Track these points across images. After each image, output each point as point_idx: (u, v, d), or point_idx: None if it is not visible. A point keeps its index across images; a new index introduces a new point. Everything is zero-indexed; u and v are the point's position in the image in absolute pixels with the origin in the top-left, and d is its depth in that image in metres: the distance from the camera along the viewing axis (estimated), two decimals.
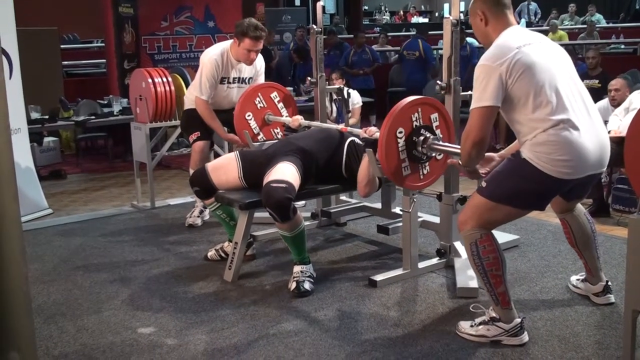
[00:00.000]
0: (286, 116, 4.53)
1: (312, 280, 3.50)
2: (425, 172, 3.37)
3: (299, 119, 4.32)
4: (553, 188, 2.78)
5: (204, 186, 3.71)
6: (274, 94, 4.56)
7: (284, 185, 3.34)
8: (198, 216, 4.75)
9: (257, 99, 4.49)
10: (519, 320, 2.85)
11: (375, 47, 10.95)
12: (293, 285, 3.45)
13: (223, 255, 3.93)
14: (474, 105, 2.69)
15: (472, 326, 2.93)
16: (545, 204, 2.88)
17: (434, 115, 3.30)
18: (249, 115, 4.44)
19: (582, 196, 3.10)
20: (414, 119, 3.22)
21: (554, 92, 2.68)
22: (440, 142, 3.28)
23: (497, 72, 2.65)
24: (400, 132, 3.19)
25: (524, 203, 2.81)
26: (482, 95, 2.66)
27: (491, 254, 2.80)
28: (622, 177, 4.84)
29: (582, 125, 2.69)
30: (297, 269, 3.51)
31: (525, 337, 2.85)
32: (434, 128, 3.29)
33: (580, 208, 3.17)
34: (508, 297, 2.84)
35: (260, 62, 4.69)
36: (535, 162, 2.70)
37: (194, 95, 4.55)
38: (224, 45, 4.54)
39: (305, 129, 4.20)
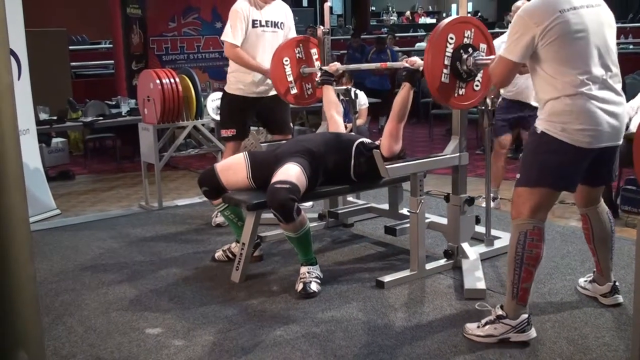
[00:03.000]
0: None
1: (319, 281, 3.50)
2: (460, 92, 3.36)
3: (337, 64, 4.28)
4: (575, 159, 2.80)
5: (213, 186, 3.71)
6: (314, 50, 4.57)
7: (287, 185, 3.34)
8: None
9: (298, 49, 4.48)
10: (525, 315, 2.86)
11: None
12: (300, 287, 3.44)
13: (230, 256, 3.93)
14: (503, 53, 2.80)
15: (478, 327, 2.92)
16: (574, 182, 2.90)
17: (483, 46, 3.33)
18: (286, 60, 4.42)
19: (606, 180, 3.08)
20: (466, 35, 3.26)
21: (582, 63, 2.71)
22: (485, 56, 3.28)
23: (531, 32, 2.70)
24: (452, 39, 3.21)
25: (553, 179, 2.83)
26: (512, 48, 2.75)
27: (535, 249, 2.83)
28: (630, 177, 4.81)
29: (601, 96, 2.73)
30: (303, 269, 3.51)
31: (532, 332, 2.86)
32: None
33: (604, 206, 3.15)
34: (528, 296, 2.87)
35: (288, 10, 4.67)
36: (552, 133, 2.76)
37: (234, 73, 4.53)
38: None
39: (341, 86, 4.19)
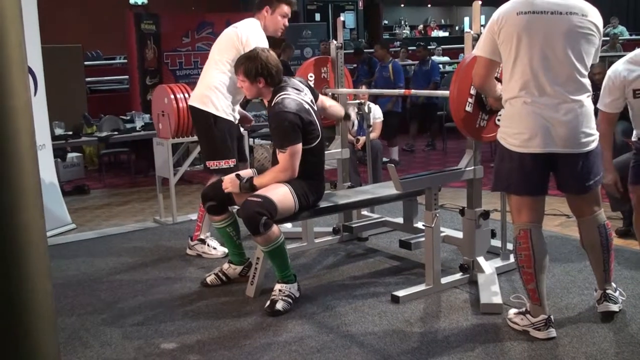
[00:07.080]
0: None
1: (290, 300, 3.43)
2: (482, 124, 3.44)
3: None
4: (521, 164, 2.88)
5: (221, 200, 3.67)
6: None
7: (259, 200, 3.33)
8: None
9: (324, 68, 4.54)
10: (545, 316, 2.94)
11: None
12: (267, 303, 3.41)
13: (224, 278, 3.83)
14: (474, 50, 3.05)
15: (515, 313, 3.10)
16: (531, 187, 2.92)
17: None
18: (311, 76, 4.48)
19: (575, 189, 3.00)
20: None
21: (524, 67, 2.78)
22: None
23: (492, 28, 2.87)
24: None
25: (510, 185, 2.97)
26: (480, 44, 2.98)
27: (524, 252, 2.94)
28: None
29: (542, 102, 2.78)
30: (277, 287, 3.47)
31: (552, 332, 2.94)
32: None
33: (598, 220, 3.08)
34: (538, 295, 2.95)
35: None
36: (501, 140, 2.94)
37: (222, 94, 4.02)
38: (253, 22, 4.14)
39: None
